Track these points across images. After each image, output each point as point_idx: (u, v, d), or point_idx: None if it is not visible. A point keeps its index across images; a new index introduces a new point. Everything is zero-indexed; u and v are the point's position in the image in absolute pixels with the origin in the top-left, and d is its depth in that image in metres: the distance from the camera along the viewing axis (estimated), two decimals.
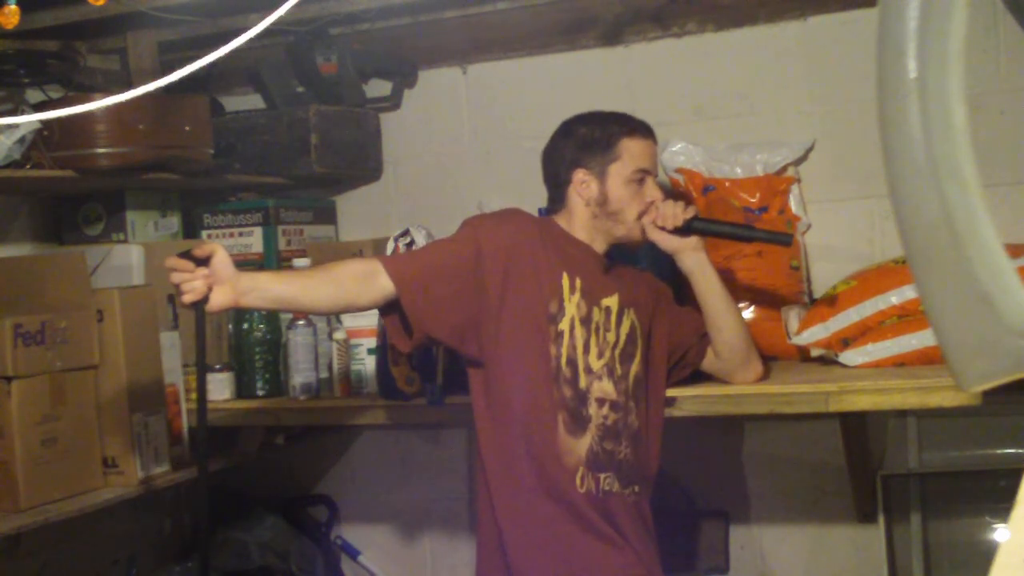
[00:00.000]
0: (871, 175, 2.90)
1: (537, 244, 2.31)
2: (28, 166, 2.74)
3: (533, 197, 2.66)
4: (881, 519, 2.97)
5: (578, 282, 2.32)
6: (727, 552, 3.13)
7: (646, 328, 2.42)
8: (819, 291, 2.88)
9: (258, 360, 2.99)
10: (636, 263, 2.64)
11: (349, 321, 2.82)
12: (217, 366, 2.98)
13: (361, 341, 2.80)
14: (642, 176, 2.40)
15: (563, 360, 2.28)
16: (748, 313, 2.77)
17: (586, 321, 2.31)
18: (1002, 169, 2.76)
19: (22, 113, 2.85)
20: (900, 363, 2.51)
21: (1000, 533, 2.27)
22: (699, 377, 2.54)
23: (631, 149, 2.38)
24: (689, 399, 2.52)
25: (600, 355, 2.32)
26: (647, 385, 2.41)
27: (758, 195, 2.92)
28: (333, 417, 2.97)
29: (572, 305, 2.30)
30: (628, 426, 2.33)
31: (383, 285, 2.18)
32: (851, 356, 2.54)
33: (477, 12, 3.26)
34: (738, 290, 2.71)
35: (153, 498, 3.03)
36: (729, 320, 2.44)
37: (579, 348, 2.30)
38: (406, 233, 2.61)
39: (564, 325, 2.29)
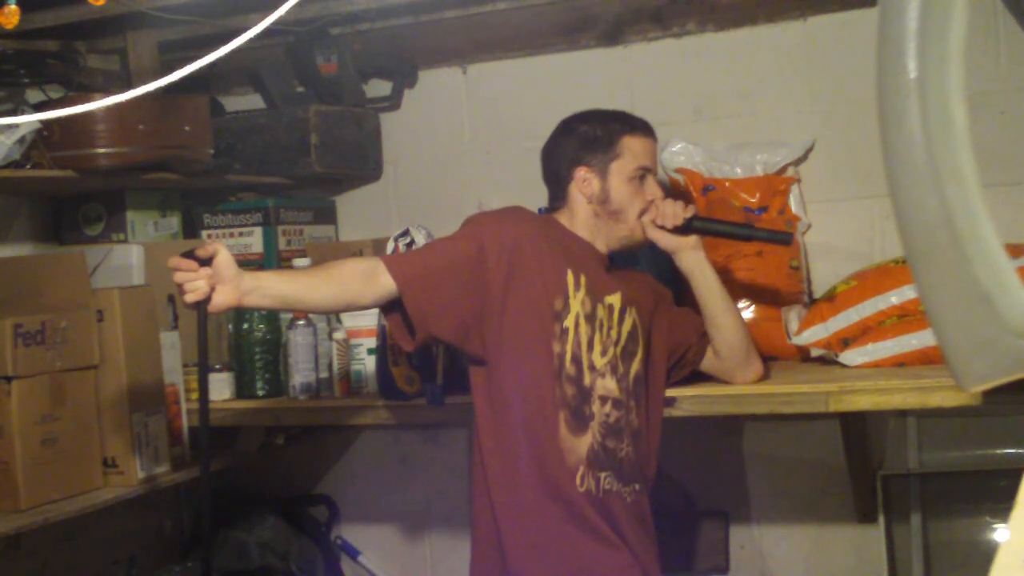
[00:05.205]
0: (871, 175, 2.90)
1: (541, 241, 2.31)
2: (28, 166, 2.74)
3: (533, 197, 2.66)
4: (881, 519, 2.97)
5: (583, 279, 2.32)
6: (727, 552, 3.13)
7: (647, 328, 2.42)
8: (819, 291, 2.88)
9: (258, 360, 2.99)
10: (635, 264, 2.64)
11: (349, 321, 2.82)
12: (217, 366, 2.97)
13: (361, 341, 2.80)
14: (643, 174, 2.40)
15: (567, 357, 2.27)
16: (748, 313, 2.77)
17: (590, 318, 2.31)
18: (1002, 169, 2.76)
19: (22, 113, 2.85)
20: (900, 363, 2.51)
21: (1000, 533, 2.27)
22: (699, 377, 2.54)
23: (632, 147, 2.39)
24: (689, 399, 2.52)
25: (604, 352, 2.31)
26: (647, 384, 2.41)
27: (758, 195, 2.92)
28: (333, 417, 2.97)
29: (577, 302, 2.30)
30: (629, 424, 2.33)
31: (385, 284, 2.17)
32: (851, 356, 2.54)
33: (477, 12, 3.26)
34: (738, 290, 2.71)
35: (153, 498, 3.03)
36: (728, 320, 2.44)
37: (583, 345, 2.29)
38: (406, 233, 2.61)
39: (569, 322, 2.28)
